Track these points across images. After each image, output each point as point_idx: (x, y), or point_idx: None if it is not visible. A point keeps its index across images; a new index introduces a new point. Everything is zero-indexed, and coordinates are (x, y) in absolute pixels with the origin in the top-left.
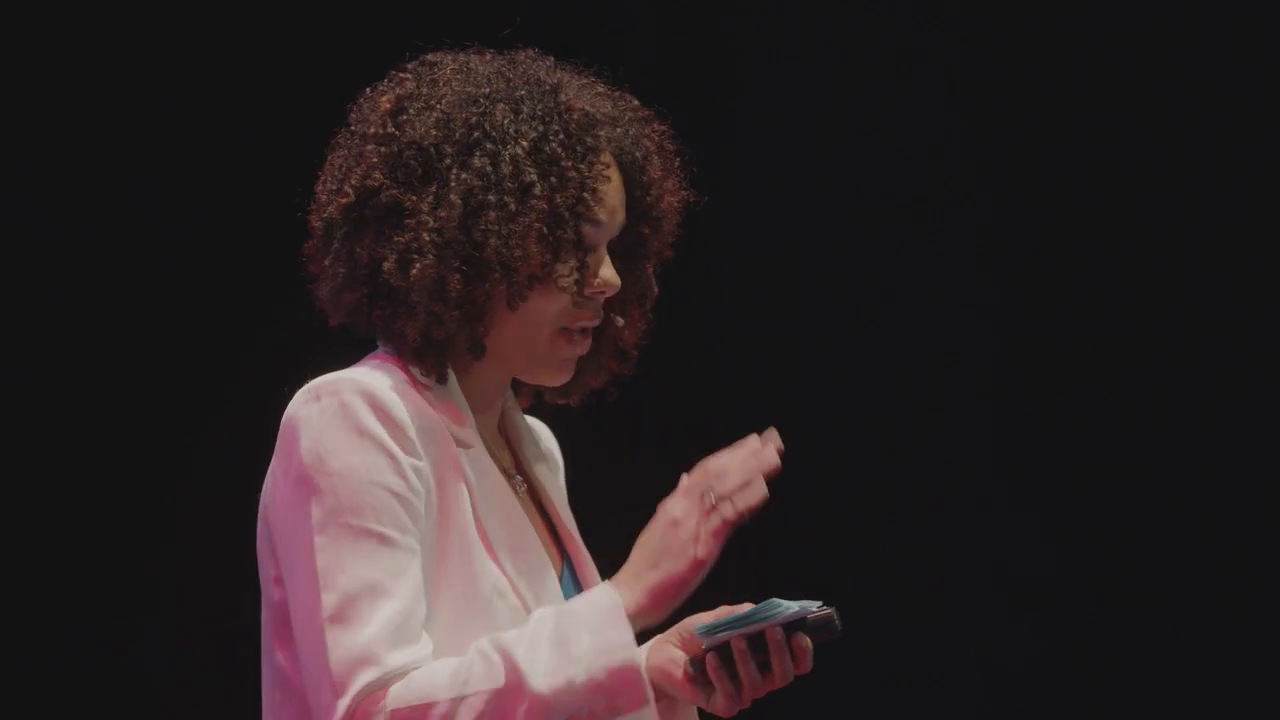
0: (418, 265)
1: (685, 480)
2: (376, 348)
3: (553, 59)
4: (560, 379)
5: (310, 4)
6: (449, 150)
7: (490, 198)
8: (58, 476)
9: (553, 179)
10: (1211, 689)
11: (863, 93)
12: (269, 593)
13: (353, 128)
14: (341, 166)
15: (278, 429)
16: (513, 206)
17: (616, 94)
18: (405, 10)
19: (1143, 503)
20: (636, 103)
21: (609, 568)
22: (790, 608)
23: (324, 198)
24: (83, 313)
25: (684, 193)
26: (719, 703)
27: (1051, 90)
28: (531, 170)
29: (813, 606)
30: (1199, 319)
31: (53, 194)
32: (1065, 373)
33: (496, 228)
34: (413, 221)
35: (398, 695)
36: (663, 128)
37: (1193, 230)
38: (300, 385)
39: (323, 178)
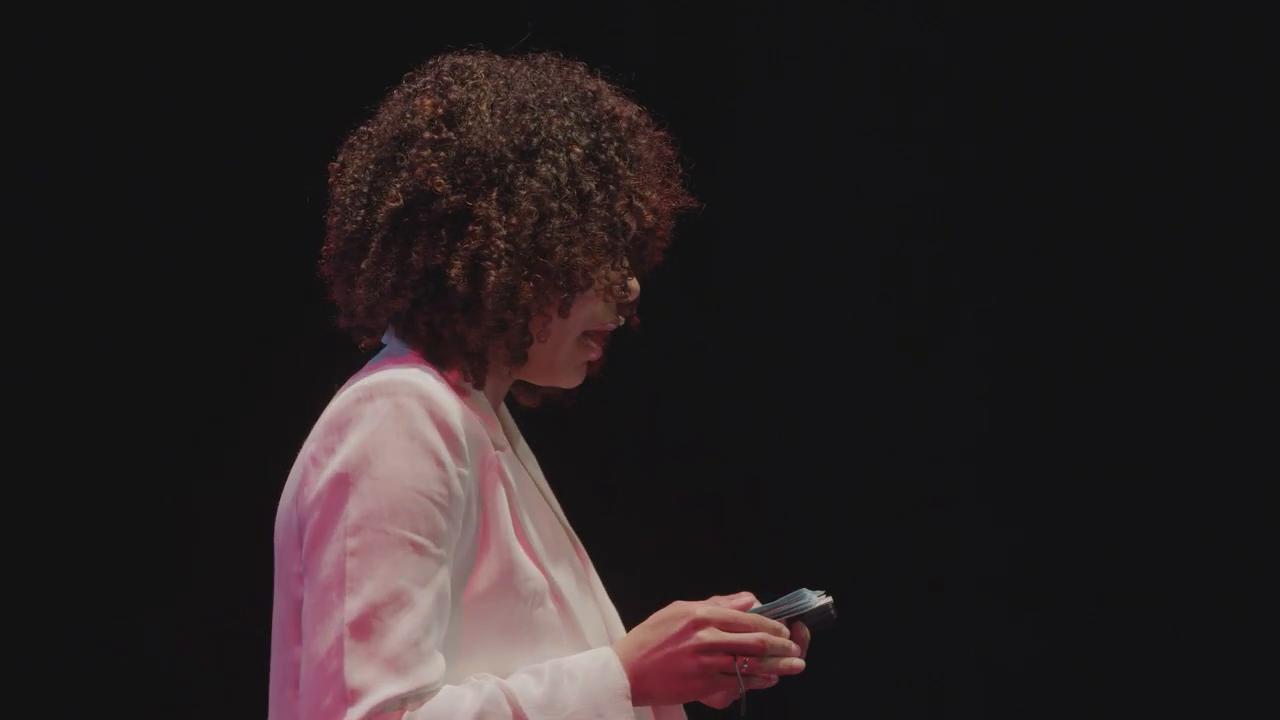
0: (493, 274)
1: (729, 609)
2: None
3: (584, 65)
4: (576, 382)
5: (313, 7)
6: (511, 157)
7: (554, 205)
8: (63, 477)
9: (610, 187)
10: (1212, 689)
11: (862, 93)
12: (291, 588)
13: (373, 129)
14: (373, 170)
15: (285, 428)
16: (574, 214)
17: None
18: (407, 12)
19: (1142, 502)
20: (639, 106)
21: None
22: (806, 600)
23: (348, 200)
24: (87, 313)
25: (682, 199)
26: (715, 695)
27: (1052, 91)
28: (590, 179)
29: (807, 592)
30: (1198, 319)
31: (53, 194)
32: (1064, 373)
33: (563, 235)
34: (479, 229)
35: None
36: (660, 132)
37: (1193, 232)
38: (339, 382)
39: (343, 180)
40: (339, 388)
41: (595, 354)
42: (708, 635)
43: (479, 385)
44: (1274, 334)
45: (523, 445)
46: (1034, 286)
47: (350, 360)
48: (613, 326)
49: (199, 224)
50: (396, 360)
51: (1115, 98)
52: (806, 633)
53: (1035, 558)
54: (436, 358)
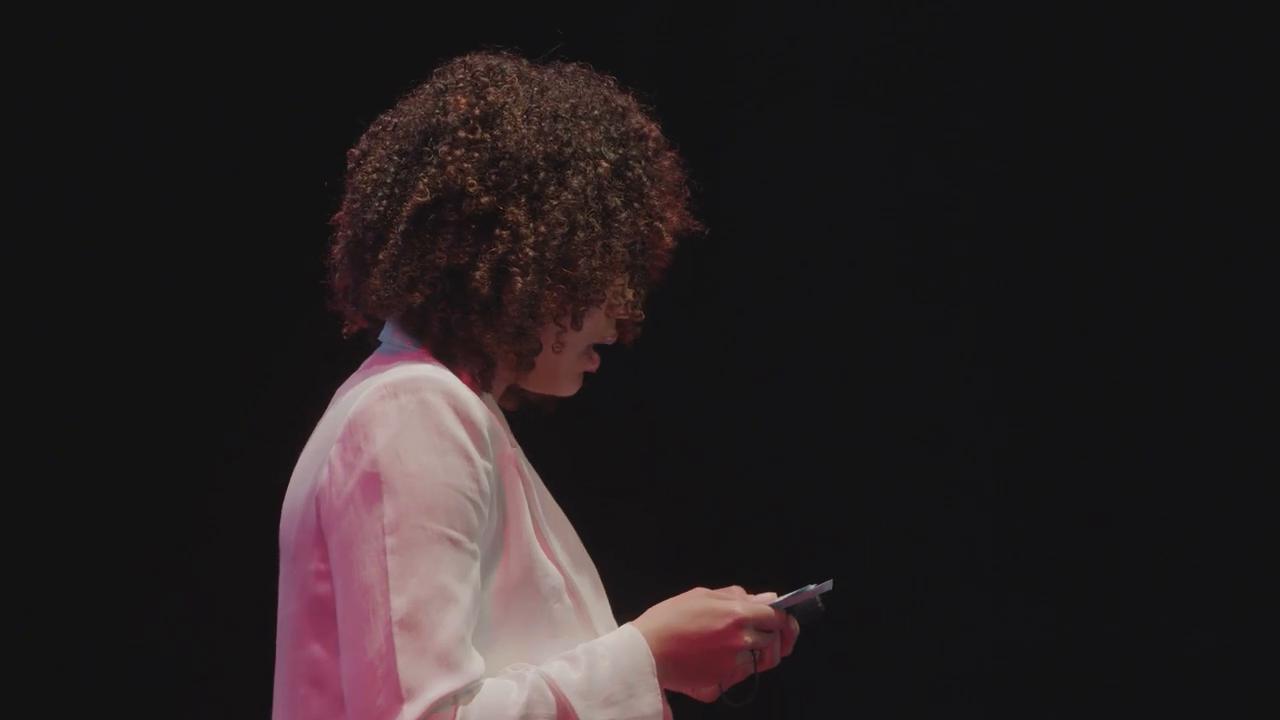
0: (519, 281)
1: (769, 608)
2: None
3: (614, 79)
4: (573, 391)
5: (311, 10)
6: (543, 165)
7: (581, 218)
8: (63, 476)
9: (635, 204)
10: (1213, 688)
11: (862, 95)
12: (307, 586)
13: (398, 120)
14: (397, 161)
15: (286, 426)
16: (598, 229)
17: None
18: (408, 15)
19: (1143, 502)
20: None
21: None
22: (807, 590)
23: (369, 188)
24: (89, 311)
25: (688, 221)
26: (708, 689)
27: (1058, 91)
28: (616, 195)
29: (812, 587)
30: (1200, 320)
31: (52, 194)
32: (1066, 366)
33: (587, 249)
34: (507, 234)
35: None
36: (672, 153)
37: (1192, 226)
38: (337, 381)
39: (363, 168)
40: (338, 386)
41: (595, 365)
42: (749, 636)
43: (487, 387)
44: (1273, 337)
45: (515, 441)
46: (1038, 284)
47: (350, 357)
48: (611, 341)
49: (199, 224)
50: (409, 357)
51: (1114, 94)
52: (795, 626)
53: (1036, 558)
54: (446, 356)
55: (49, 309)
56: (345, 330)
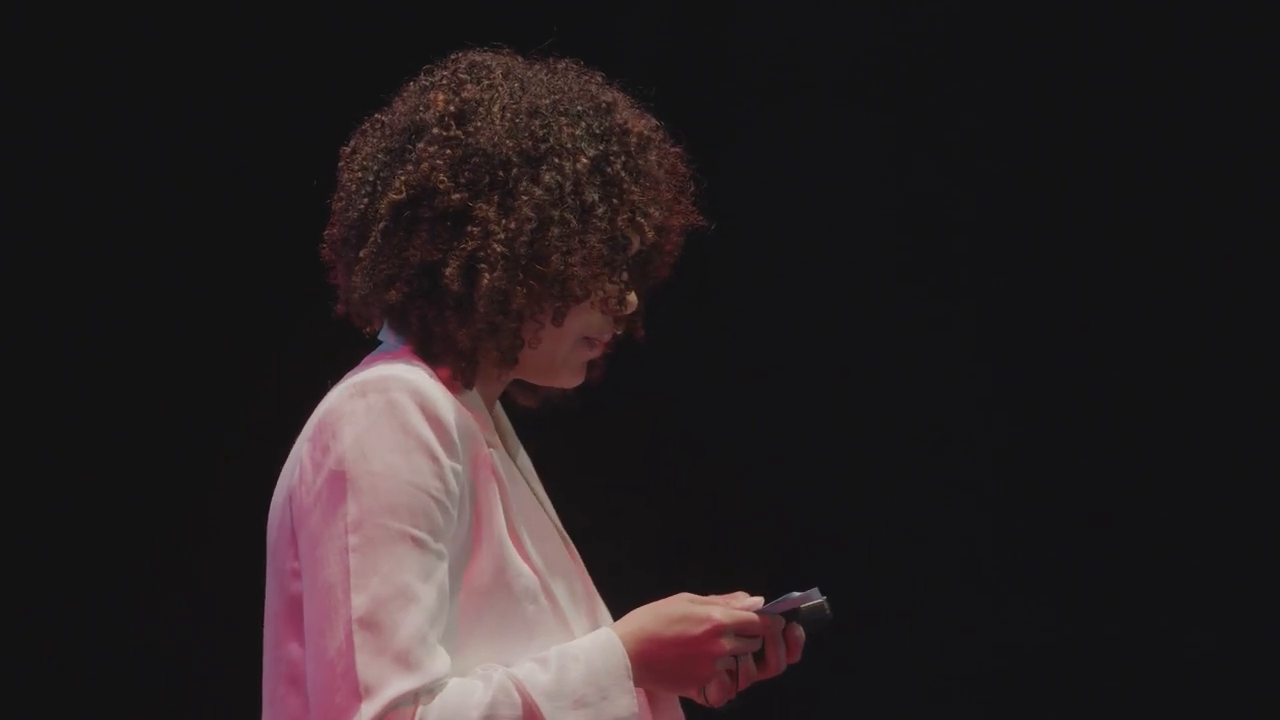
0: (487, 276)
1: (751, 614)
2: (379, 343)
3: (601, 75)
4: (575, 383)
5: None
6: (516, 161)
7: (555, 214)
8: (63, 475)
9: (614, 200)
10: (1213, 689)
11: (862, 95)
12: (285, 585)
13: (387, 119)
14: (381, 159)
15: (285, 426)
16: (574, 224)
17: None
18: (411, 12)
19: (1143, 502)
20: (656, 121)
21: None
22: (791, 597)
23: (354, 186)
24: (89, 310)
25: (692, 216)
26: (711, 692)
27: (1058, 91)
28: (594, 190)
29: (796, 594)
30: (1201, 320)
31: (52, 193)
32: (1064, 371)
33: (560, 245)
34: (478, 230)
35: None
36: (676, 149)
37: (1189, 226)
38: (333, 379)
39: (351, 166)
40: (332, 385)
41: (595, 353)
42: (728, 643)
43: (468, 385)
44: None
45: (523, 456)
46: (1037, 283)
47: (350, 357)
48: (609, 335)
49: (199, 224)
50: (389, 356)
51: (1114, 94)
52: (801, 633)
53: (1036, 557)
54: (428, 353)
55: (49, 309)
56: (367, 331)
